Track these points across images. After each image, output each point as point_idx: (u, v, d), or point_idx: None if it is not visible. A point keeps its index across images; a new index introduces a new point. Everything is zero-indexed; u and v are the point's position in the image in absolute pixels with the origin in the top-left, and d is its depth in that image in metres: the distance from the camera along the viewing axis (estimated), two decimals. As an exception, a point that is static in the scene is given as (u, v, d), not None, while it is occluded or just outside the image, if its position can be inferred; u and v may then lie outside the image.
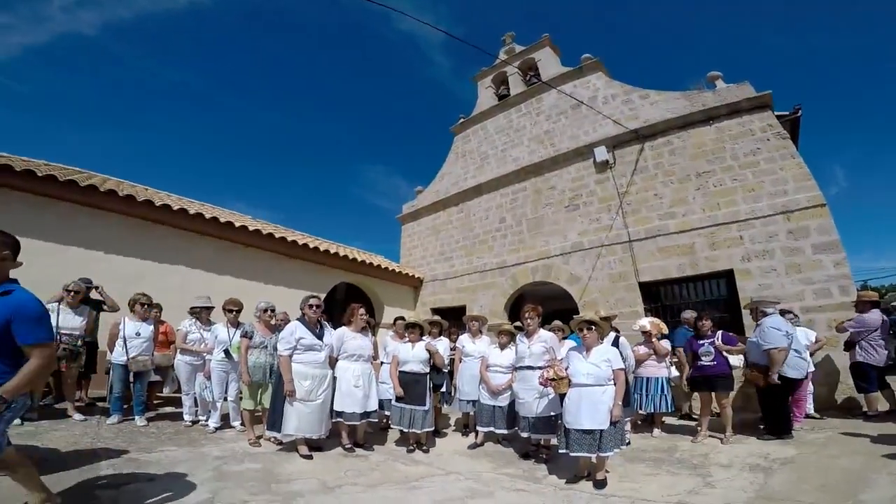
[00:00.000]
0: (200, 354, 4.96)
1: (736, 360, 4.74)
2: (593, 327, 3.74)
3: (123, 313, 4.96)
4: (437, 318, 6.04)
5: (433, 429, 4.75)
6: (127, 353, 4.63)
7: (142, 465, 3.31)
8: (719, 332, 4.92)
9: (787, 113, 7.17)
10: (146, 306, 4.93)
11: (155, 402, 5.66)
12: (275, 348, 4.26)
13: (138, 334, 4.75)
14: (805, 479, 3.35)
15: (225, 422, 4.85)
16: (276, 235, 8.18)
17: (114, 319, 4.99)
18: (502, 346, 4.80)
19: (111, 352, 4.83)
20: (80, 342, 4.59)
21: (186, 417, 4.87)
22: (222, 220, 7.38)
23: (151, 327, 4.95)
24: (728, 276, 6.75)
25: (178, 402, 5.40)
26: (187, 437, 4.34)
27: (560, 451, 3.68)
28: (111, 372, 4.78)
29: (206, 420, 4.82)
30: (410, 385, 4.51)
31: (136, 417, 4.64)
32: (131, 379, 4.79)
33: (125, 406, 4.77)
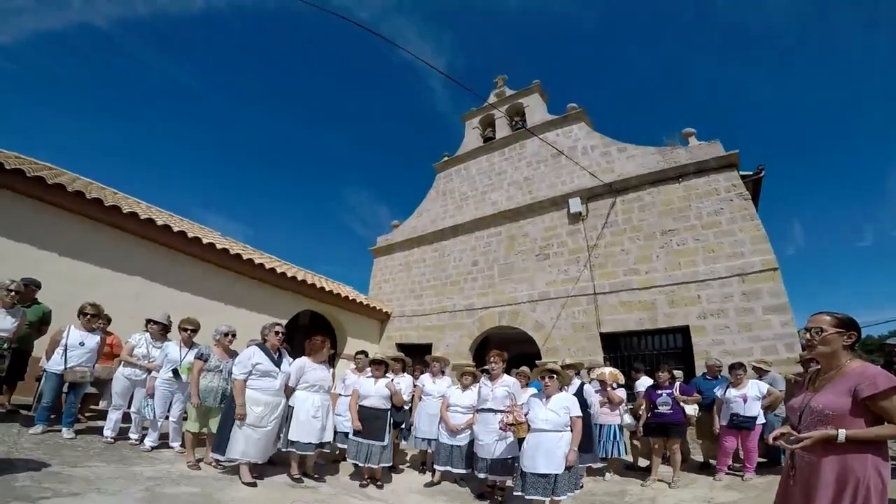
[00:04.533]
0: (144, 370, 4.69)
1: (691, 410, 4.89)
2: (555, 376, 3.86)
3: (70, 321, 4.67)
4: (400, 354, 6.10)
5: (390, 464, 4.60)
6: (65, 362, 4.36)
7: (65, 480, 3.01)
8: (677, 384, 5.11)
9: (751, 173, 7.56)
10: (94, 317, 4.67)
11: (87, 414, 5.24)
12: (230, 373, 4.13)
13: (82, 344, 4.50)
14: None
15: (163, 441, 4.52)
16: (244, 257, 7.98)
17: (59, 326, 4.68)
18: (464, 387, 4.87)
19: (48, 359, 4.50)
20: (6, 345, 4.11)
21: (108, 433, 4.47)
22: (190, 235, 7.18)
23: (98, 338, 4.69)
24: (684, 331, 7.02)
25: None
26: (118, 454, 4.00)
27: (515, 493, 3.69)
28: (43, 379, 4.43)
29: (138, 438, 4.54)
30: (370, 420, 4.44)
31: (64, 429, 4.27)
32: (65, 389, 4.47)
33: (52, 416, 4.40)
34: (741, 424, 4.73)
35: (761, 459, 5.24)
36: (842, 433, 1.73)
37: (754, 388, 4.87)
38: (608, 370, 5.68)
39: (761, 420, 4.82)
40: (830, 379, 1.92)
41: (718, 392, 5.12)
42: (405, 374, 5.57)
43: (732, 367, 5.11)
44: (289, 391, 4.24)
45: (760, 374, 5.42)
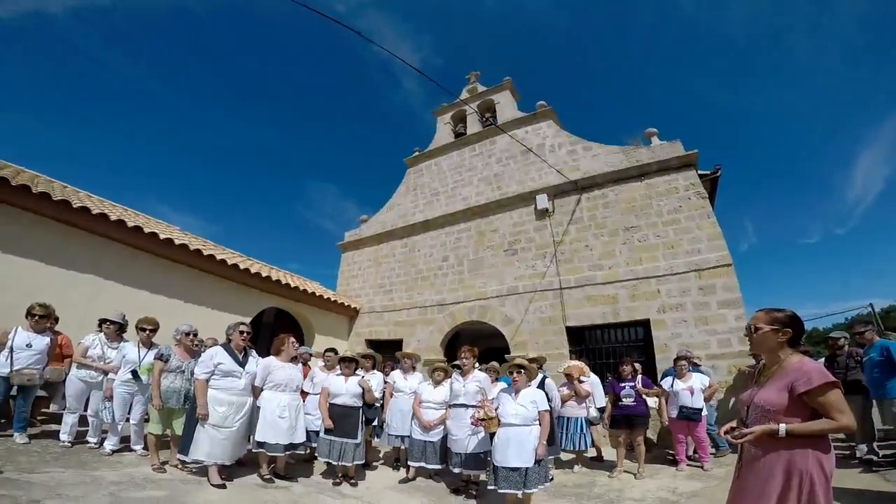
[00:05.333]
0: (99, 372, 4.50)
1: (652, 402, 5.12)
2: (523, 371, 3.96)
3: (18, 322, 4.41)
4: (370, 351, 6.06)
5: (363, 461, 4.60)
6: (11, 364, 4.16)
7: (22, 487, 2.86)
8: (639, 377, 5.32)
9: (709, 172, 7.92)
10: (43, 318, 4.45)
11: (39, 418, 4.97)
12: (192, 373, 4.04)
13: (29, 346, 4.30)
14: (708, 512, 3.63)
15: (124, 445, 4.37)
16: (205, 253, 7.65)
17: (4, 327, 4.41)
18: (436, 383, 4.89)
19: None
20: None
21: (64, 437, 4.30)
22: (146, 230, 6.82)
23: (47, 340, 4.46)
24: (645, 324, 7.33)
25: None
26: (77, 459, 3.83)
27: (489, 487, 3.75)
28: None
29: (97, 442, 4.37)
30: (341, 418, 4.41)
31: (16, 434, 4.07)
32: (13, 392, 4.24)
33: (2, 421, 4.16)
34: (690, 416, 4.99)
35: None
36: (782, 428, 1.78)
37: (698, 380, 5.18)
38: (574, 363, 5.81)
39: (705, 411, 5.13)
40: (773, 374, 1.96)
41: (666, 384, 5.32)
42: (375, 370, 5.55)
43: (676, 360, 5.39)
44: (256, 391, 4.18)
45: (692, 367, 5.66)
